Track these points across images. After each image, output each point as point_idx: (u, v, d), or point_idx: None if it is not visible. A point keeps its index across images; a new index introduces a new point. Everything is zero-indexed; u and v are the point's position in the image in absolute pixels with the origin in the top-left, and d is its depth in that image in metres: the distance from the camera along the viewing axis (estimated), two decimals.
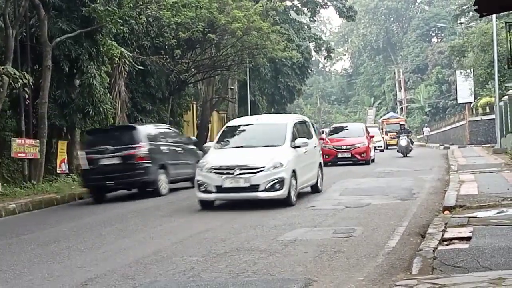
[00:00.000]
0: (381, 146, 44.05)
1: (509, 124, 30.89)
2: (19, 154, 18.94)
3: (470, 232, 8.71)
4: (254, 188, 12.94)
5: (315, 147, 15.93)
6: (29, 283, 7.61)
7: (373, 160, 28.44)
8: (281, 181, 13.01)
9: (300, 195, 14.49)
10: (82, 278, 7.63)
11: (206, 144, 15.92)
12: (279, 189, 13.00)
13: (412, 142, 34.39)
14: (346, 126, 32.35)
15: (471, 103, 50.00)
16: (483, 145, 40.58)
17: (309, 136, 15.57)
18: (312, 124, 21.77)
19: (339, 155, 27.23)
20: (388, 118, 63.44)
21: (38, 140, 19.54)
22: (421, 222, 10.60)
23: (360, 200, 13.99)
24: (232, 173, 13.05)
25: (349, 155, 27.15)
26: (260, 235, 9.94)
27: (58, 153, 21.25)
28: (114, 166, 16.84)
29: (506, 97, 31.80)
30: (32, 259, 9.04)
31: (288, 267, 7.64)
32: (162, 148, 18.19)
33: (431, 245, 8.08)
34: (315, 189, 15.58)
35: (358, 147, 27.29)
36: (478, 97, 47.20)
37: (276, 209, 12.81)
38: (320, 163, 16.09)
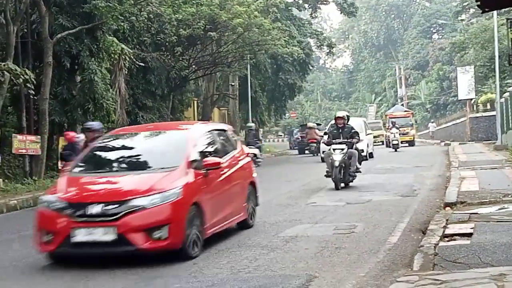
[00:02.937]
0: (382, 143, 43.62)
1: (510, 121, 30.83)
2: (20, 150, 18.94)
3: (471, 228, 8.72)
4: None
5: None
6: (31, 279, 7.62)
7: (248, 225, 10.31)
8: None
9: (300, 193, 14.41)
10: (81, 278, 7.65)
11: None
12: None
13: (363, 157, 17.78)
14: (136, 135, 9.87)
15: (472, 99, 49.85)
16: (483, 142, 40.50)
17: None
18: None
19: (76, 238, 7.71)
20: (392, 112, 53.99)
21: (39, 136, 19.55)
22: (422, 219, 10.60)
23: (361, 196, 14.00)
24: None
25: (114, 237, 7.62)
26: (261, 231, 9.94)
27: (59, 149, 21.23)
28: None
29: (507, 93, 31.73)
30: (33, 255, 9.04)
31: (289, 263, 7.65)
32: None
33: (432, 241, 8.09)
34: None
35: (139, 209, 7.70)
36: (479, 94, 47.10)
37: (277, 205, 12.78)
38: None
